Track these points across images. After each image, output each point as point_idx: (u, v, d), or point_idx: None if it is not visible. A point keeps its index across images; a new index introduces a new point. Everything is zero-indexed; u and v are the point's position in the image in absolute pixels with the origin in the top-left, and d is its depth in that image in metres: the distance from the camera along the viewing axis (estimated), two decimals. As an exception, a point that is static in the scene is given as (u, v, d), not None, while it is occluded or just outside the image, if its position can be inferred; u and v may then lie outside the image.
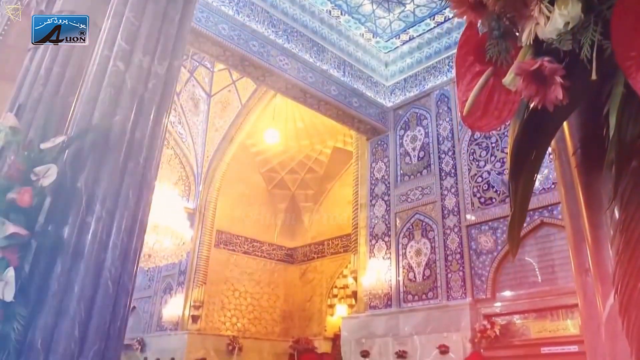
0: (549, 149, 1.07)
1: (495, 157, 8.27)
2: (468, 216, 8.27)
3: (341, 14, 9.76)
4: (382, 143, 10.29)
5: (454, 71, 9.30)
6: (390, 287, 8.84)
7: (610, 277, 0.83)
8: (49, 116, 3.24)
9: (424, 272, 8.54)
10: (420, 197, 9.13)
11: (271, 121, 12.75)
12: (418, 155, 9.56)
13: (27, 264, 2.40)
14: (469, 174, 8.55)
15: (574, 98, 0.79)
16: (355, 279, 9.56)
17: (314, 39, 9.59)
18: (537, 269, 7.32)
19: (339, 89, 9.59)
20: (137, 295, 11.13)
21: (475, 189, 8.37)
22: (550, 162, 6.04)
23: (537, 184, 6.90)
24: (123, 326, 2.73)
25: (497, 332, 7.26)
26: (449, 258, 8.28)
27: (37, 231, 2.52)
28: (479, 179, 8.36)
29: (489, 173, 8.26)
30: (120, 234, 2.77)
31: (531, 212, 7.27)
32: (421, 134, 9.66)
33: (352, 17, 9.82)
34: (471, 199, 8.35)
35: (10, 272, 2.24)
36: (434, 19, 9.64)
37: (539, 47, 0.80)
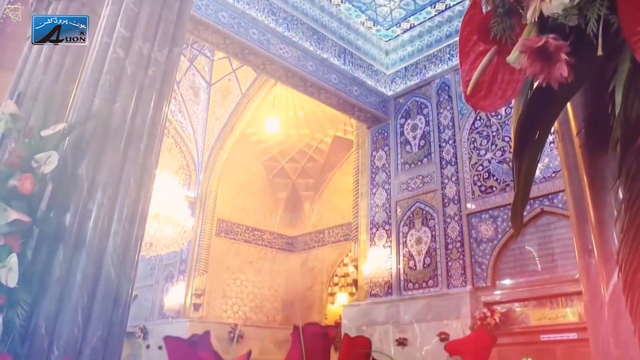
0: (552, 131, 1.07)
1: (496, 145, 8.25)
2: (468, 205, 8.28)
3: (341, 1, 9.69)
4: (383, 132, 10.27)
5: (455, 59, 9.30)
6: (391, 275, 8.87)
7: (614, 257, 0.83)
8: (49, 104, 3.23)
9: (424, 261, 8.57)
10: (421, 185, 9.13)
11: (271, 110, 12.71)
12: (419, 143, 9.54)
13: (30, 251, 2.41)
14: (469, 162, 8.54)
15: (579, 76, 0.78)
16: (356, 267, 9.60)
17: (314, 27, 9.53)
18: (537, 258, 7.34)
19: (340, 78, 9.55)
20: (139, 284, 11.17)
21: (475, 178, 8.37)
22: (551, 150, 6.02)
23: (537, 172, 6.90)
24: (126, 313, 2.74)
25: (497, 320, 7.30)
26: (450, 246, 8.30)
27: (39, 218, 2.52)
28: (480, 168, 8.35)
29: (489, 161, 8.26)
30: (121, 221, 2.77)
31: (531, 201, 7.27)
32: (422, 123, 9.64)
33: (353, 5, 9.75)
34: (472, 188, 8.35)
35: (13, 259, 2.24)
36: (434, 7, 9.57)
37: (544, 24, 0.79)
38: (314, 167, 14.29)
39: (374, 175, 10.08)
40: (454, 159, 8.79)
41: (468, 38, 0.97)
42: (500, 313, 7.38)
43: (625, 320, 0.79)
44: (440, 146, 9.11)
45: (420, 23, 9.95)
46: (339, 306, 12.41)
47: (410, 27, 10.11)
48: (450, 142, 8.96)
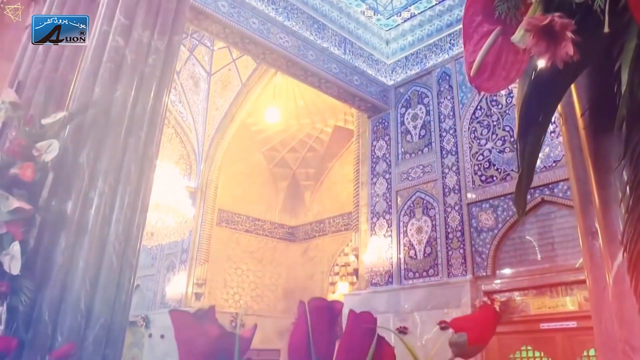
0: (556, 113, 1.06)
1: (497, 135, 8.23)
2: (469, 194, 8.28)
3: (342, -10, 9.62)
4: (383, 121, 10.24)
5: (455, 48, 9.26)
6: (392, 265, 8.90)
7: (618, 237, 0.83)
8: (49, 93, 3.22)
9: (424, 250, 8.58)
10: (422, 175, 9.13)
11: (272, 100, 12.67)
12: (419, 133, 9.52)
13: (32, 239, 2.42)
14: (470, 152, 8.52)
15: (585, 55, 0.77)
16: (357, 256, 9.63)
17: (315, 16, 9.47)
18: (537, 247, 7.35)
19: (340, 67, 9.51)
20: (140, 274, 11.20)
21: (476, 167, 8.36)
22: (552, 140, 5.99)
23: (538, 162, 6.86)
24: (128, 300, 2.76)
25: (497, 309, 7.33)
26: (450, 236, 8.31)
27: (41, 206, 2.53)
28: (480, 157, 8.34)
29: (490, 151, 8.24)
30: (123, 209, 2.78)
31: (532, 190, 7.26)
32: (422, 112, 9.61)
33: (353, -7, 9.68)
34: (472, 177, 8.34)
35: (16, 246, 2.25)
36: (435, -5, 9.51)
37: (549, 2, 0.79)
38: (315, 156, 14.27)
39: (374, 165, 10.07)
40: (454, 149, 8.78)
41: (472, 19, 0.96)
42: (500, 302, 7.40)
43: (629, 300, 0.79)
44: (440, 136, 9.09)
45: (421, 12, 9.87)
46: (340, 295, 12.46)
47: (411, 16, 10.04)
48: (451, 131, 8.94)
